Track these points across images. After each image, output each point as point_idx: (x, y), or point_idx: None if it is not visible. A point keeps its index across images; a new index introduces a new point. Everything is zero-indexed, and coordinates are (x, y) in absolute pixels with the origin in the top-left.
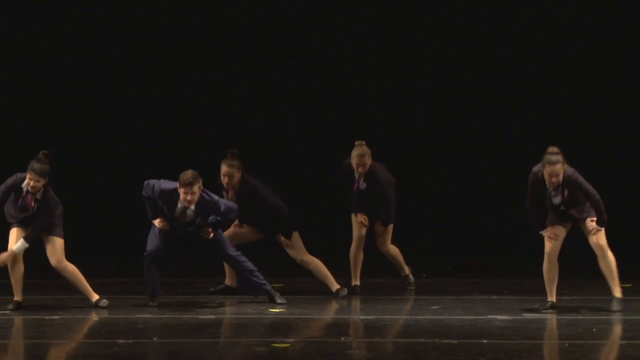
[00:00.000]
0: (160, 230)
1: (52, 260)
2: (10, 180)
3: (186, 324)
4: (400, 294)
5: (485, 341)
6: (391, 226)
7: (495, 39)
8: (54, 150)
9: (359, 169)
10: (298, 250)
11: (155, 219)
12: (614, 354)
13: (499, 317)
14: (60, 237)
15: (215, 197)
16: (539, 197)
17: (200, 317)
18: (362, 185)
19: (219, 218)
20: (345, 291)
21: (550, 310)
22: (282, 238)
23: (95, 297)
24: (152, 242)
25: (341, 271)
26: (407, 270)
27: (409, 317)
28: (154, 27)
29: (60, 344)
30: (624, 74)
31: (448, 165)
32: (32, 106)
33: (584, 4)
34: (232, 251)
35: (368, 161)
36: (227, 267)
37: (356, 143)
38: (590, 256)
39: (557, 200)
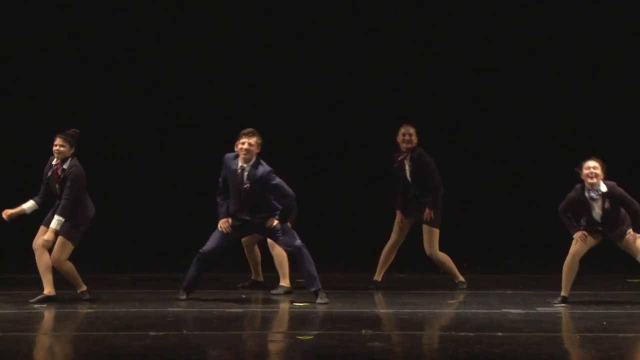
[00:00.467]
0: (222, 233)
1: (52, 258)
2: (45, 167)
3: (214, 317)
4: (419, 289)
5: (500, 334)
6: (437, 231)
7: (495, 39)
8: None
9: (403, 145)
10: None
11: (222, 218)
12: (623, 346)
13: (513, 310)
14: (72, 243)
15: (269, 168)
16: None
17: (228, 310)
18: (408, 165)
19: (280, 207)
20: (281, 290)
21: (562, 304)
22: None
23: (83, 287)
24: (211, 242)
25: (341, 270)
26: (460, 278)
27: (427, 310)
28: (154, 27)
29: (93, 335)
30: (624, 74)
31: (448, 165)
32: (32, 106)
33: (584, 4)
34: (299, 243)
35: (414, 138)
36: (252, 264)
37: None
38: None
39: (597, 213)
